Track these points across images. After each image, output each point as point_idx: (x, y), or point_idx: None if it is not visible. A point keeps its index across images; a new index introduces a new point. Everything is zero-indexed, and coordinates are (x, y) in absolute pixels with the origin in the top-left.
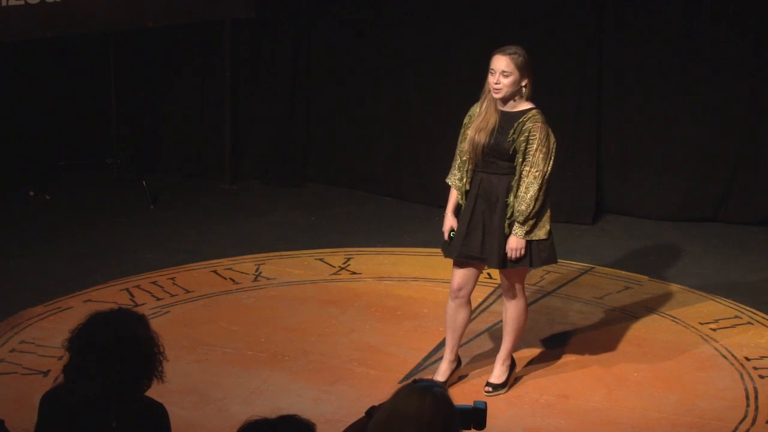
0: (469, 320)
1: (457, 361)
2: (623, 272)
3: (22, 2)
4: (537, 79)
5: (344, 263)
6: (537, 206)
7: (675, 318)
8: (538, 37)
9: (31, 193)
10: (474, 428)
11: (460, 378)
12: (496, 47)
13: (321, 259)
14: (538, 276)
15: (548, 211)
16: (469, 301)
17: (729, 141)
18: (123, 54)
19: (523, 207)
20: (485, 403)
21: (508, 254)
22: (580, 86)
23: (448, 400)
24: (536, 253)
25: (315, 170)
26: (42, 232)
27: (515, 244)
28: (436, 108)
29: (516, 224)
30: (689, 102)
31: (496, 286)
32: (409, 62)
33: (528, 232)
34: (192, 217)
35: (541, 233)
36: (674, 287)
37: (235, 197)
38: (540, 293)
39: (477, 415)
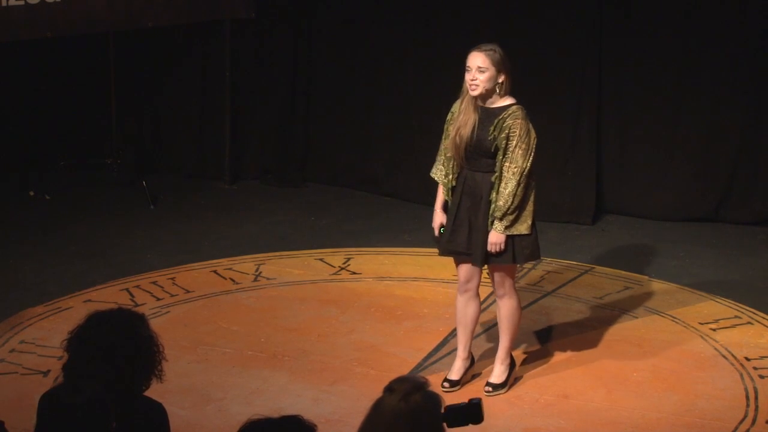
0: (479, 314)
1: (471, 359)
2: (623, 272)
3: (22, 2)
4: (540, 77)
5: (344, 263)
6: (516, 202)
7: (675, 318)
8: (539, 37)
9: (31, 193)
10: (471, 424)
11: (474, 377)
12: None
13: (321, 259)
14: (538, 276)
15: (531, 206)
16: (477, 294)
17: (729, 141)
18: (123, 54)
19: (500, 202)
20: (480, 399)
21: (489, 249)
22: (580, 86)
23: (422, 409)
24: (519, 250)
25: (315, 170)
26: (42, 232)
27: (494, 238)
28: (437, 107)
29: (495, 219)
30: (689, 102)
31: None
32: (409, 62)
33: (508, 227)
34: (192, 217)
35: (522, 228)
36: (674, 287)
37: (235, 197)
38: (540, 293)
39: (472, 410)
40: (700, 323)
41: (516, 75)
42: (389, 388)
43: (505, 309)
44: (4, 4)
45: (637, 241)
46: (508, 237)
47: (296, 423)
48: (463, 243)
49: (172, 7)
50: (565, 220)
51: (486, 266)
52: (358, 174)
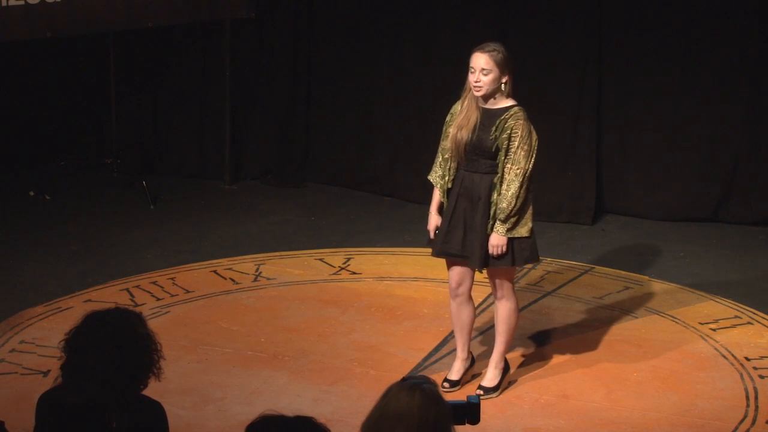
0: (474, 317)
1: (471, 359)
2: (623, 272)
3: (22, 2)
4: (540, 76)
5: (344, 263)
6: (518, 204)
7: (675, 318)
8: (539, 37)
9: (31, 193)
10: (468, 423)
11: (474, 377)
12: None
13: (321, 259)
14: (538, 276)
15: (531, 208)
16: (470, 298)
17: (729, 141)
18: (123, 54)
19: (504, 204)
20: (479, 397)
21: (490, 251)
22: (580, 86)
23: (438, 397)
24: (518, 252)
25: (315, 170)
26: (42, 232)
27: (496, 241)
28: (437, 107)
29: (498, 222)
30: (689, 102)
31: None
32: (409, 61)
33: (510, 230)
34: (192, 217)
35: (523, 231)
36: (674, 287)
37: (235, 197)
38: (540, 293)
39: (471, 409)
40: (700, 323)
41: (516, 74)
42: (403, 379)
43: (502, 311)
44: (4, 4)
45: (637, 241)
46: (508, 239)
47: (310, 424)
48: (457, 245)
49: (172, 7)
50: (565, 220)
51: (484, 269)
52: (358, 174)
